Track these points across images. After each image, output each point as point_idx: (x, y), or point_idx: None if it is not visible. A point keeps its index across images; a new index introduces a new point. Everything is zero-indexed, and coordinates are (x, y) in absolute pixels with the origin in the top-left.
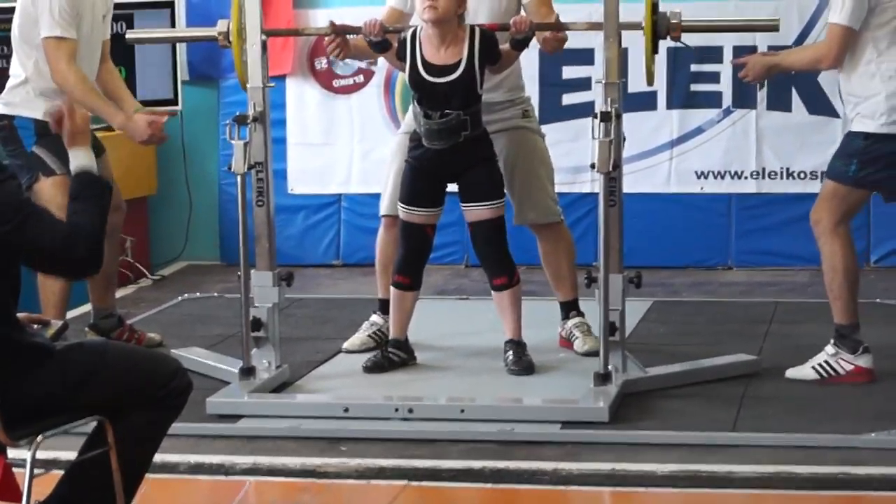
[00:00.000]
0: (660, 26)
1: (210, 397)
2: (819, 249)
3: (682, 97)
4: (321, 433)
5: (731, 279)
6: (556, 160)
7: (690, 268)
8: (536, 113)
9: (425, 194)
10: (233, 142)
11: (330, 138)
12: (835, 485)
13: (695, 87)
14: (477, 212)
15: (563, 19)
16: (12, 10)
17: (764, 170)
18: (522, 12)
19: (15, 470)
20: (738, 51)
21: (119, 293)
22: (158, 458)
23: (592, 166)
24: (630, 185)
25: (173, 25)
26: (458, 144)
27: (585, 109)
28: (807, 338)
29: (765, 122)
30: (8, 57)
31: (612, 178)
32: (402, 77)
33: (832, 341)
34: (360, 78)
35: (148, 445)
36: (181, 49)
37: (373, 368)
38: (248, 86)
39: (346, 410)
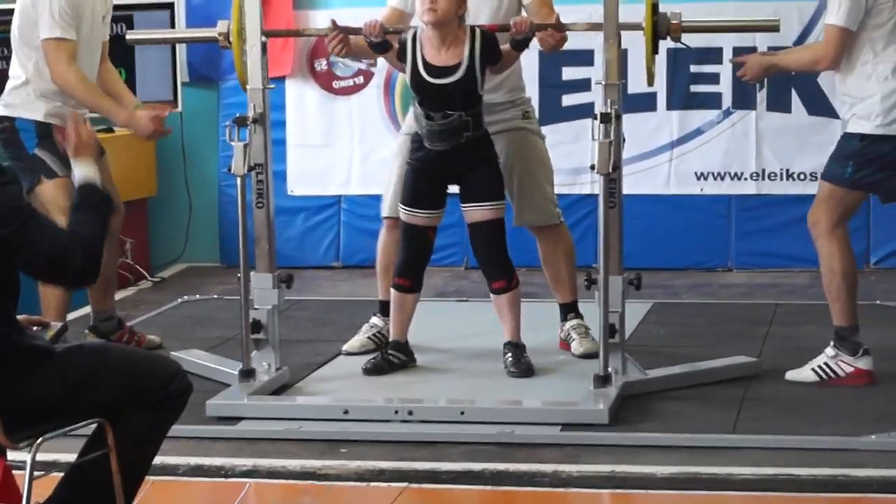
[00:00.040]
0: (660, 27)
1: (210, 399)
2: (817, 251)
3: (681, 98)
4: (321, 435)
5: (731, 281)
6: (556, 161)
7: (690, 269)
8: (536, 114)
9: (427, 196)
10: (232, 143)
11: (330, 140)
12: (835, 487)
13: (694, 89)
14: (477, 213)
15: (563, 20)
16: (12, 11)
17: (764, 171)
18: (523, 13)
19: (15, 472)
20: (738, 52)
21: (119, 295)
22: (158, 460)
23: (592, 167)
24: (630, 186)
25: (173, 26)
26: (460, 145)
27: (585, 110)
28: (807, 340)
29: (764, 123)
30: (8, 58)
31: (612, 180)
32: (402, 78)
33: (832, 343)
34: (360, 79)
35: (148, 447)
36: (181, 50)
37: (373, 370)
38: (247, 87)
39: (346, 412)
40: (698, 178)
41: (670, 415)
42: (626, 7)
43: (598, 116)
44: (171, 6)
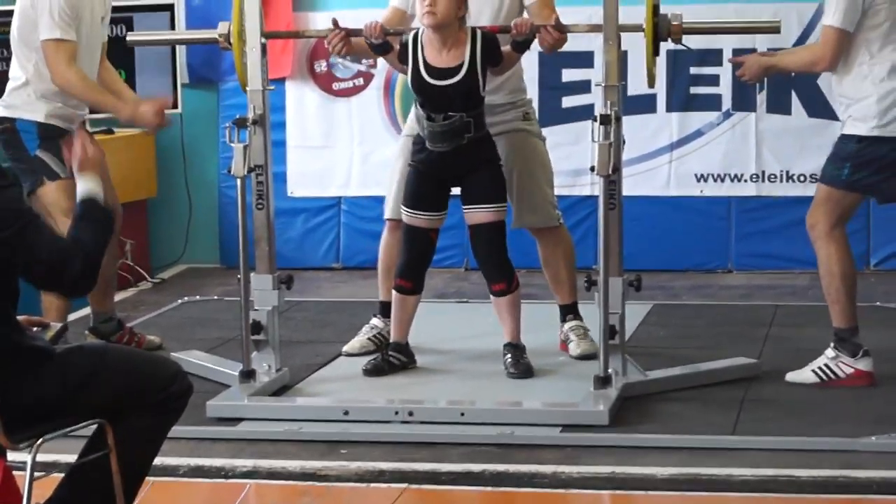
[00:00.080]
0: (661, 28)
1: (210, 400)
2: (816, 254)
3: (681, 100)
4: (321, 436)
5: (730, 282)
6: (556, 163)
7: (690, 271)
8: (537, 115)
9: (429, 198)
10: (232, 145)
11: (329, 141)
12: (835, 488)
13: (694, 90)
14: (478, 214)
15: (563, 21)
16: (11, 13)
17: (764, 173)
18: (525, 14)
19: (15, 473)
20: (738, 54)
21: (119, 296)
22: (158, 460)
23: (592, 169)
24: (630, 188)
25: (173, 28)
26: (462, 146)
27: (585, 112)
28: (807, 341)
29: (764, 124)
30: (8, 59)
31: (612, 181)
32: (402, 80)
33: (832, 345)
34: (360, 81)
35: (148, 448)
36: (181, 52)
37: (373, 371)
38: (247, 88)
39: (346, 413)
40: (698, 180)
41: (670, 416)
42: (626, 9)
43: (598, 118)
44: (170, 8)
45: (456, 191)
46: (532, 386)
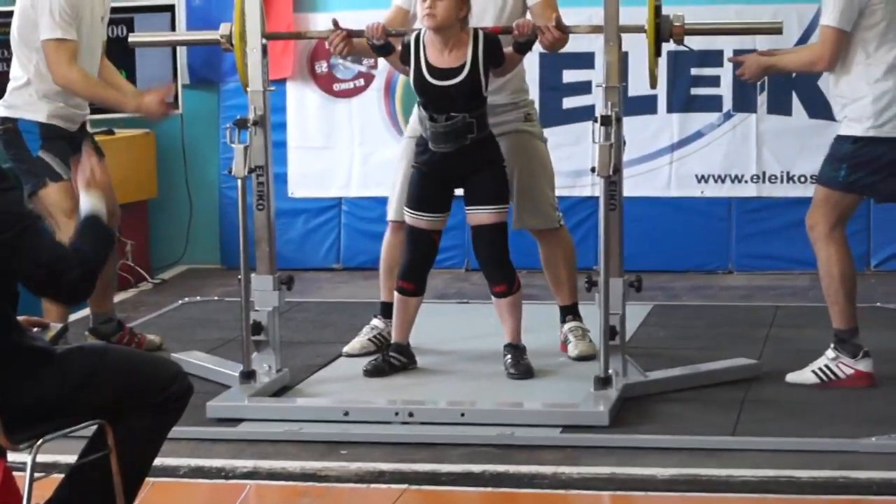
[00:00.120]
0: (663, 29)
1: (210, 401)
2: (815, 255)
3: (682, 101)
4: (321, 437)
5: (731, 283)
6: (557, 164)
7: (691, 272)
8: (538, 116)
9: (432, 199)
10: (233, 145)
11: (330, 142)
12: (835, 489)
13: (695, 91)
14: (480, 215)
15: (564, 22)
16: (12, 13)
17: (764, 173)
18: (528, 15)
19: (15, 473)
20: (739, 54)
21: (119, 297)
22: (159, 461)
23: (593, 170)
24: (630, 188)
25: (173, 29)
26: (465, 147)
27: (586, 113)
28: (807, 342)
29: (765, 125)
30: (8, 60)
31: (613, 182)
32: (403, 81)
33: (832, 345)
34: (361, 82)
35: (148, 449)
36: (181, 53)
37: (373, 372)
38: (248, 89)
39: (347, 414)
40: (699, 181)
41: (670, 417)
42: (626, 10)
43: (599, 119)
44: (171, 8)
45: (459, 192)
46: (532, 387)
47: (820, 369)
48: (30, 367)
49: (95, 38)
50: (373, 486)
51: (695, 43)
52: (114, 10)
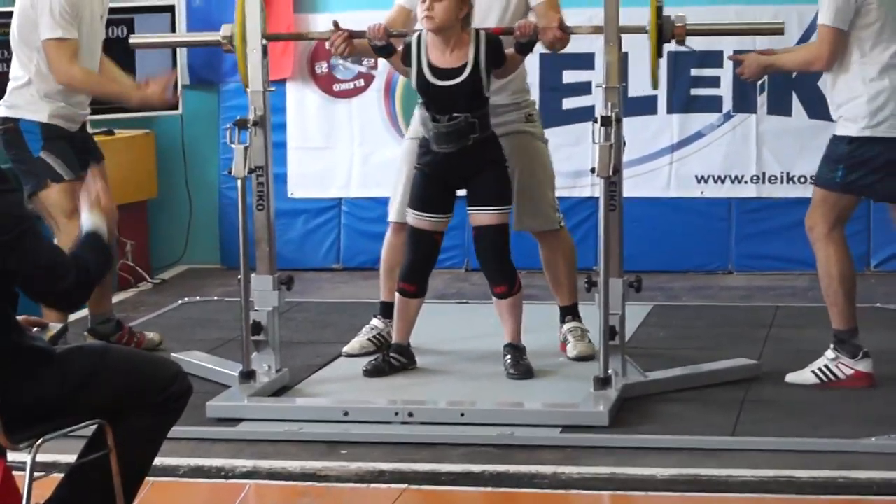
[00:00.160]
0: (665, 30)
1: (210, 401)
2: (815, 255)
3: (682, 101)
4: (321, 437)
5: (731, 283)
6: (557, 164)
7: (690, 272)
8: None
9: (435, 200)
10: (233, 146)
11: (330, 142)
12: (835, 489)
13: (695, 92)
14: (482, 216)
15: (565, 23)
16: (12, 14)
17: (764, 174)
18: (531, 16)
19: (15, 473)
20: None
21: (119, 297)
22: (158, 461)
23: (593, 170)
24: (630, 189)
25: (174, 30)
26: (467, 147)
27: (586, 113)
28: (807, 342)
29: (765, 126)
30: (8, 60)
31: (613, 183)
32: (403, 81)
33: (832, 346)
34: (361, 82)
35: (148, 449)
36: (182, 53)
37: (373, 372)
38: (248, 89)
39: (346, 414)
40: (699, 181)
41: (670, 417)
42: (626, 10)
43: (599, 119)
44: (171, 9)
45: (461, 192)
46: (532, 387)
47: (820, 370)
48: (30, 367)
49: (95, 37)
50: (373, 485)
51: (695, 43)
52: (114, 10)
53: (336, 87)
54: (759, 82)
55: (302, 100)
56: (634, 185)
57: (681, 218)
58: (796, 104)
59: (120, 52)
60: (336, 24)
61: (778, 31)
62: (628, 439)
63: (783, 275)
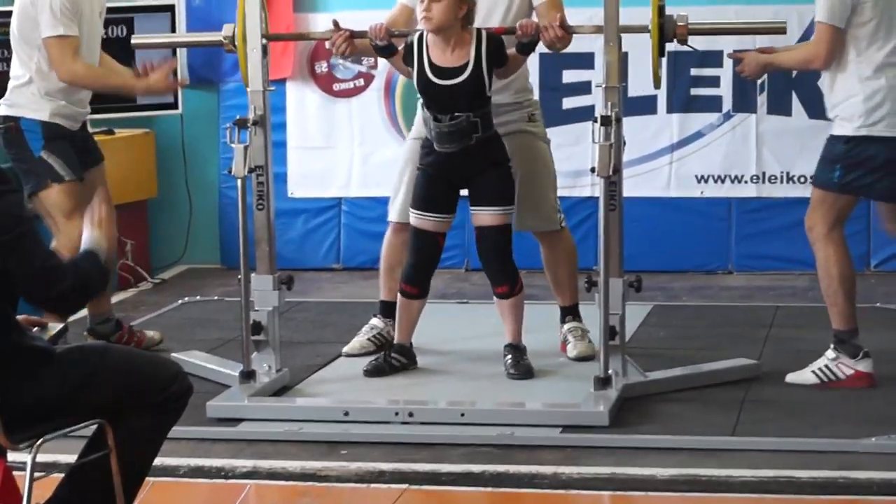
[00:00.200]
0: (667, 29)
1: (210, 401)
2: (815, 255)
3: (682, 101)
4: (321, 437)
5: (731, 283)
6: (557, 164)
7: (690, 272)
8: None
9: (438, 200)
10: (233, 145)
11: (330, 142)
12: (835, 489)
13: (695, 92)
14: (484, 217)
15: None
16: (10, 13)
17: (764, 174)
18: (534, 16)
19: (15, 473)
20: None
21: (119, 297)
22: (158, 461)
23: (592, 170)
24: (630, 188)
25: (173, 29)
26: (469, 147)
27: (586, 113)
28: (807, 342)
29: (765, 126)
30: (8, 60)
31: (613, 182)
32: (403, 81)
33: (832, 346)
34: (361, 82)
35: (148, 449)
36: (181, 53)
37: (373, 372)
38: (248, 89)
39: (347, 414)
40: (699, 181)
41: (670, 417)
42: (627, 10)
43: (599, 119)
44: (171, 9)
45: (464, 192)
46: (532, 387)
47: (820, 370)
48: (30, 367)
49: (94, 34)
50: (373, 485)
51: (695, 43)
52: (114, 10)
53: (336, 87)
54: (759, 82)
55: (302, 99)
56: (634, 185)
57: (681, 218)
58: (796, 104)
59: (119, 51)
60: (336, 24)
61: (780, 30)
62: (628, 439)
63: (783, 275)
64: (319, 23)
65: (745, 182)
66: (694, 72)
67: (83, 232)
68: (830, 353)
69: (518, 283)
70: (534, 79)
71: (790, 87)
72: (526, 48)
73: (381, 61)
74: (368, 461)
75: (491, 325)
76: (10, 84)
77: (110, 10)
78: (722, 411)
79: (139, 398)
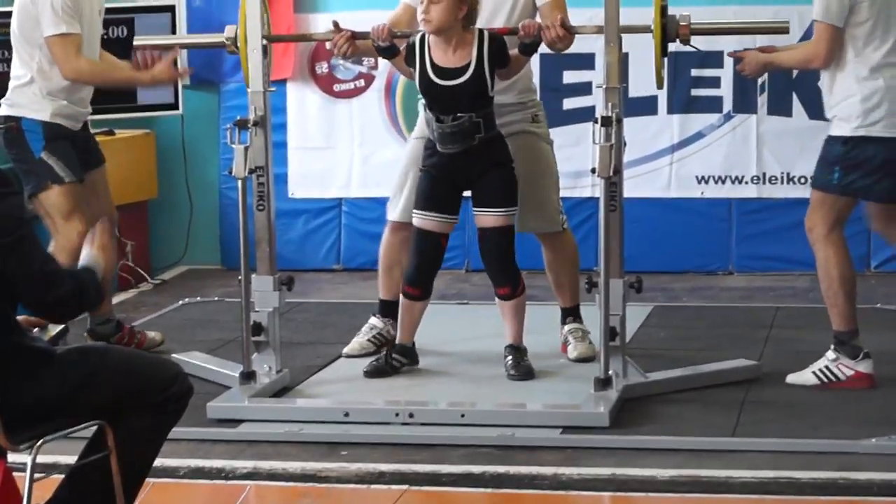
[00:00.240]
0: (669, 29)
1: (210, 402)
2: (815, 256)
3: (682, 102)
4: (322, 437)
5: (731, 284)
6: (557, 164)
7: (691, 273)
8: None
9: (441, 201)
10: (233, 146)
11: (331, 142)
12: (835, 490)
13: (695, 92)
14: (487, 218)
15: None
16: (10, 14)
17: (764, 174)
18: (538, 17)
19: (15, 474)
20: None
21: (120, 297)
22: (159, 462)
23: (593, 171)
24: (630, 189)
25: (174, 30)
26: (472, 148)
27: (586, 114)
28: (807, 343)
29: (765, 126)
30: (8, 60)
31: (613, 183)
32: (403, 81)
33: (832, 346)
34: (361, 82)
35: (148, 449)
36: (182, 53)
37: (374, 373)
38: (248, 90)
39: (347, 415)
40: (699, 182)
41: (671, 418)
42: (628, 10)
43: (599, 120)
44: (171, 9)
45: (466, 193)
46: (532, 388)
47: (820, 370)
48: (30, 367)
49: (94, 33)
50: (373, 486)
51: (696, 43)
52: (114, 10)
53: (336, 88)
54: (760, 83)
55: (302, 100)
56: (635, 186)
57: (681, 218)
58: (796, 104)
59: (120, 51)
60: (336, 25)
61: (782, 29)
62: (629, 440)
63: (783, 275)
64: (320, 23)
65: (746, 183)
66: (694, 72)
67: (83, 251)
68: (830, 354)
69: (520, 284)
70: (535, 79)
71: (791, 88)
72: (528, 49)
73: (382, 62)
74: (369, 462)
75: (491, 325)
76: (11, 84)
77: (111, 11)
78: (722, 412)
79: (139, 399)
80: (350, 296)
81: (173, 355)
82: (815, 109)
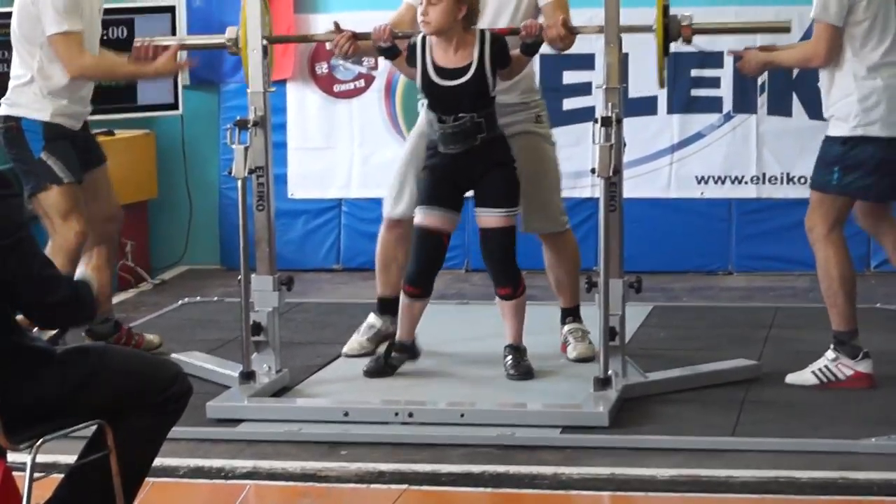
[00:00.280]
0: (671, 29)
1: (210, 401)
2: (815, 256)
3: (682, 102)
4: (321, 437)
5: (731, 284)
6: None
7: (690, 273)
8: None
9: (444, 197)
10: (233, 146)
11: (330, 143)
12: (835, 490)
13: (695, 92)
14: (489, 218)
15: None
16: (10, 14)
17: (764, 175)
18: (540, 18)
19: (15, 473)
20: None
21: (119, 297)
22: (158, 461)
23: (593, 171)
24: (630, 189)
25: (174, 31)
26: (474, 148)
27: (586, 114)
28: (807, 343)
29: (765, 126)
30: (8, 61)
31: (613, 183)
32: (403, 82)
33: (832, 346)
34: (361, 83)
35: (148, 449)
36: (181, 53)
37: (373, 373)
38: (248, 90)
39: (346, 414)
40: (699, 182)
41: (670, 417)
42: (628, 10)
43: (599, 120)
44: (171, 10)
45: (468, 193)
46: (532, 387)
47: (820, 370)
48: (30, 367)
49: (94, 31)
50: (373, 486)
51: (697, 43)
52: (114, 10)
53: (336, 88)
54: (760, 83)
55: (302, 100)
56: (635, 186)
57: (681, 218)
58: (796, 105)
59: (119, 51)
60: (337, 25)
61: (784, 29)
62: (628, 440)
63: (783, 275)
64: (320, 24)
65: (746, 183)
66: (694, 73)
67: (77, 271)
68: (830, 354)
69: (521, 284)
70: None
71: (790, 88)
72: (530, 49)
73: (381, 62)
74: (368, 462)
75: (491, 325)
76: (11, 84)
77: (111, 11)
78: (722, 412)
79: (139, 398)
80: (350, 296)
81: (173, 355)
82: (815, 109)
